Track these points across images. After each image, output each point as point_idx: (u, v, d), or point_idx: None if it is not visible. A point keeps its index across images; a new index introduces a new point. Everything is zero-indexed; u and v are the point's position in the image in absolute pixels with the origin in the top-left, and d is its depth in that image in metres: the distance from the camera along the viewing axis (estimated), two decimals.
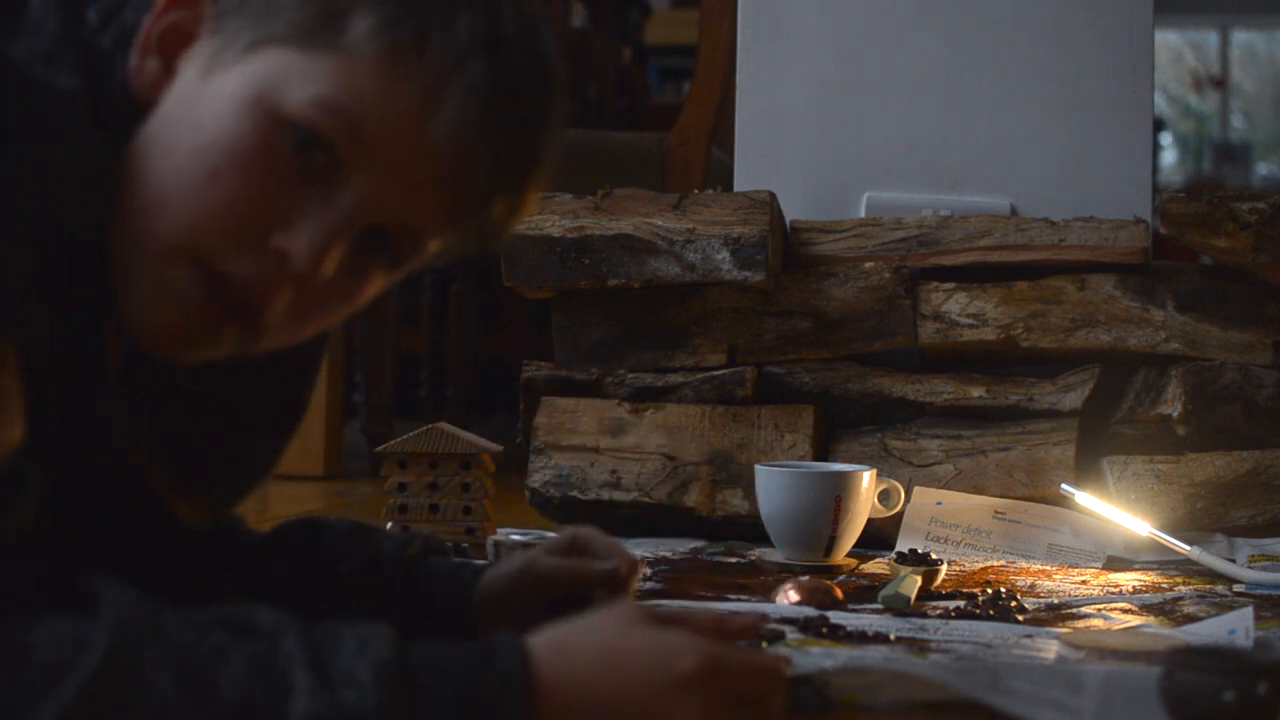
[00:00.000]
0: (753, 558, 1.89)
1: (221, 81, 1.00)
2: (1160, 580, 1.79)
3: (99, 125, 1.00)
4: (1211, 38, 10.73)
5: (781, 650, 1.29)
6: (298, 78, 0.98)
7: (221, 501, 1.19)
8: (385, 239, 1.03)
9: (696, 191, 2.16)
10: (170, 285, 0.99)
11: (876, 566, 1.83)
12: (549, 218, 2.12)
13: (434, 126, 0.99)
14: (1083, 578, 1.81)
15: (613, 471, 2.10)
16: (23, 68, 0.99)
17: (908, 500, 1.96)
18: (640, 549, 1.94)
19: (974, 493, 2.00)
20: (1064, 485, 1.96)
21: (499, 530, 1.78)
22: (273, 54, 0.99)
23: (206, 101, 1.00)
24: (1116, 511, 1.93)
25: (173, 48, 1.02)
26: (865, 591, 1.66)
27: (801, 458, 2.05)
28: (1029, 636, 1.43)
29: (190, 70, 1.01)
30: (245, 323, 1.01)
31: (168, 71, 1.02)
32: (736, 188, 2.29)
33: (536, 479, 2.12)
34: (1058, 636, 1.42)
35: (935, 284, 2.11)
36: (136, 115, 1.02)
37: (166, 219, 0.99)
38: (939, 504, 1.97)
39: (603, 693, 0.95)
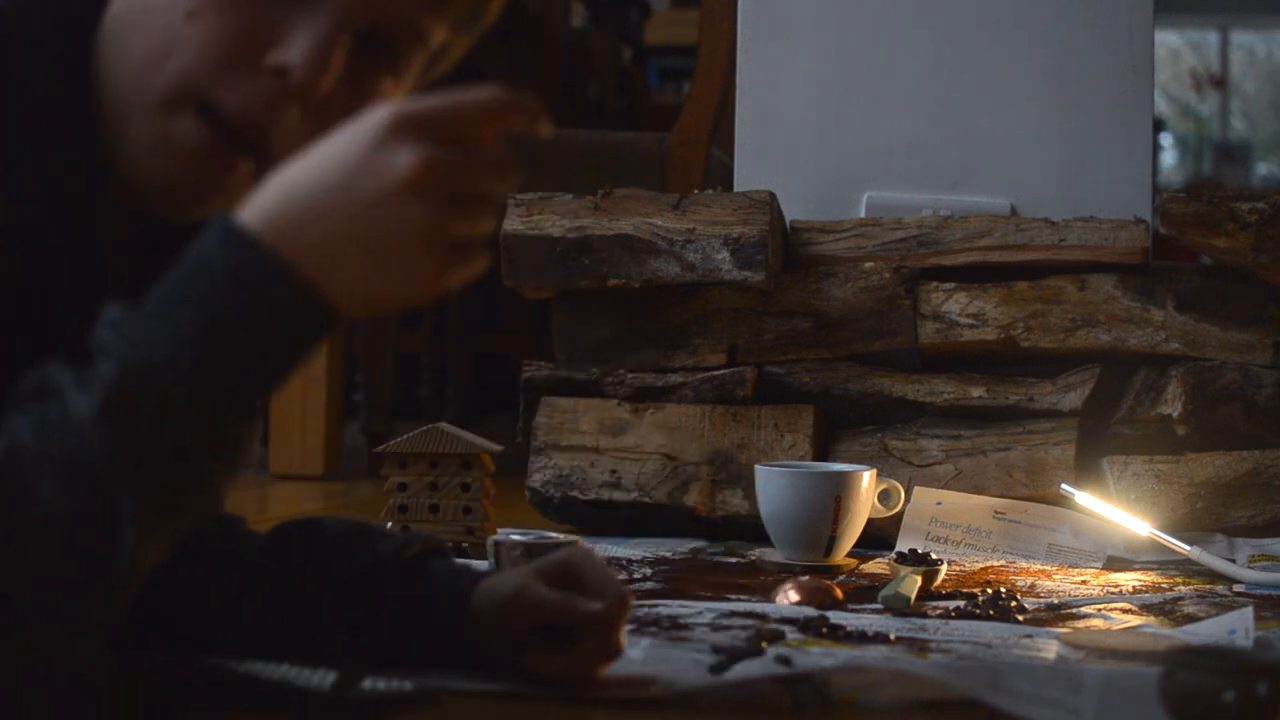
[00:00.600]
0: (753, 558, 1.89)
1: None
2: (1160, 580, 1.79)
3: (64, 41, 1.00)
4: (1211, 38, 10.73)
5: (781, 650, 1.30)
6: None
7: None
8: (378, 42, 1.01)
9: (696, 191, 2.16)
10: (172, 134, 0.98)
11: (876, 566, 1.83)
12: (549, 218, 2.12)
13: None
14: (1083, 578, 1.81)
15: (613, 471, 2.10)
16: None
17: (908, 500, 1.96)
18: (640, 549, 1.94)
19: (974, 493, 2.00)
20: (1064, 485, 1.96)
21: (499, 530, 1.78)
22: None
23: None
24: (1116, 511, 1.93)
25: None
26: (865, 591, 1.66)
27: (801, 458, 2.05)
28: (1029, 636, 1.43)
29: None
30: (254, 155, 0.99)
31: None
32: (736, 188, 2.30)
33: (536, 479, 2.12)
34: (1058, 636, 1.42)
35: (935, 284, 2.11)
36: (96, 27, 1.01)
37: (155, 71, 0.98)
38: (939, 504, 1.97)
39: (306, 187, 0.90)
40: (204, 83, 0.97)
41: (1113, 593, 1.72)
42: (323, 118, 0.99)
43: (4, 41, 0.98)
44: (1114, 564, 1.90)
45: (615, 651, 1.18)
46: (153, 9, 0.98)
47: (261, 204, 0.91)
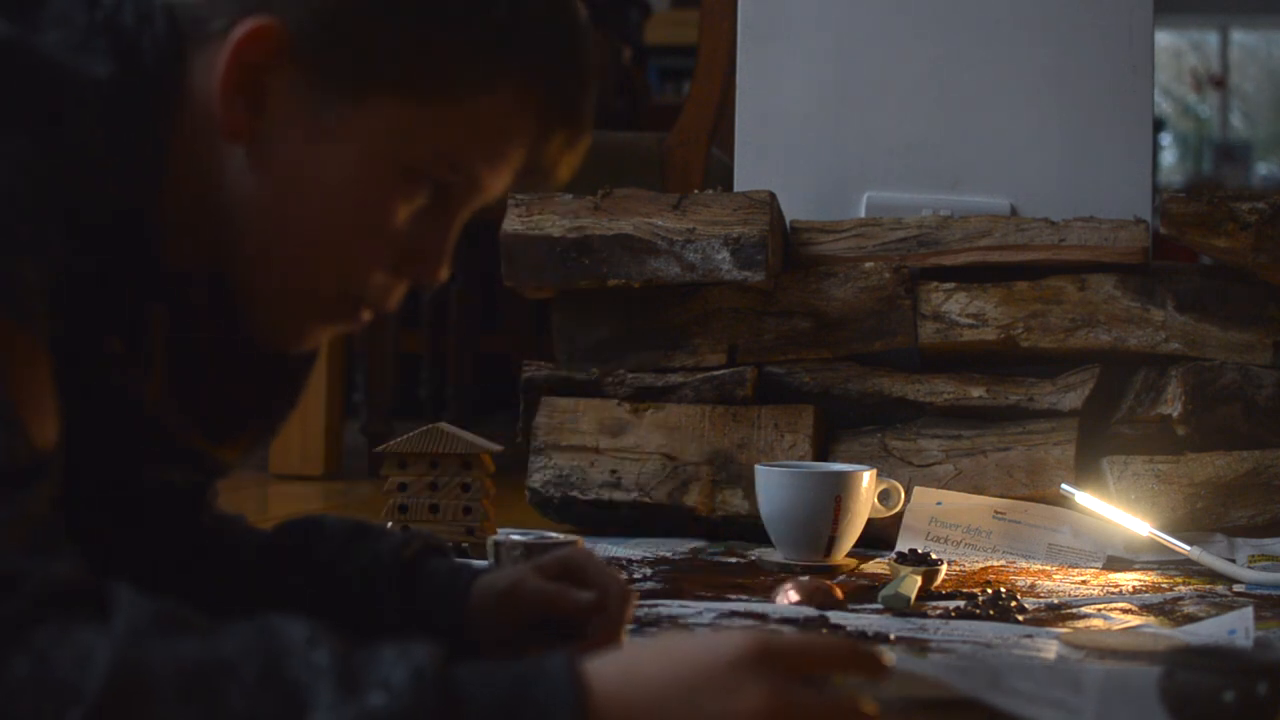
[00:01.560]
0: (753, 558, 1.89)
1: (335, 148, 1.02)
2: (1160, 580, 1.79)
3: (134, 108, 1.00)
4: (1211, 38, 10.73)
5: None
6: (416, 134, 1.02)
7: (256, 443, 1.18)
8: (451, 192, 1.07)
9: (696, 191, 2.16)
10: (311, 309, 1.06)
11: (876, 566, 1.83)
12: (549, 218, 2.12)
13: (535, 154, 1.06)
14: (1083, 578, 1.81)
15: (613, 471, 2.10)
16: (50, 56, 0.98)
17: (908, 500, 1.96)
18: (640, 549, 1.94)
19: (974, 493, 2.00)
20: (1064, 485, 1.96)
21: (499, 530, 1.78)
22: (383, 104, 1.01)
23: (326, 167, 1.02)
24: (1116, 511, 1.93)
25: (256, 87, 1.01)
26: (865, 591, 1.66)
27: (801, 458, 2.05)
28: (1029, 636, 1.43)
29: (287, 121, 1.02)
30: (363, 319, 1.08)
31: (256, 109, 1.01)
32: (736, 188, 2.29)
33: (536, 479, 2.12)
34: (1058, 636, 1.42)
35: (935, 284, 2.11)
36: (175, 98, 1.02)
37: (314, 273, 1.04)
38: (939, 504, 1.97)
39: (654, 683, 0.90)
40: (357, 283, 1.05)
41: (1113, 593, 1.72)
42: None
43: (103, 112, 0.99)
44: (1114, 564, 1.90)
45: (616, 647, 1.18)
46: (317, 225, 1.03)
47: (605, 679, 0.89)
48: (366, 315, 1.08)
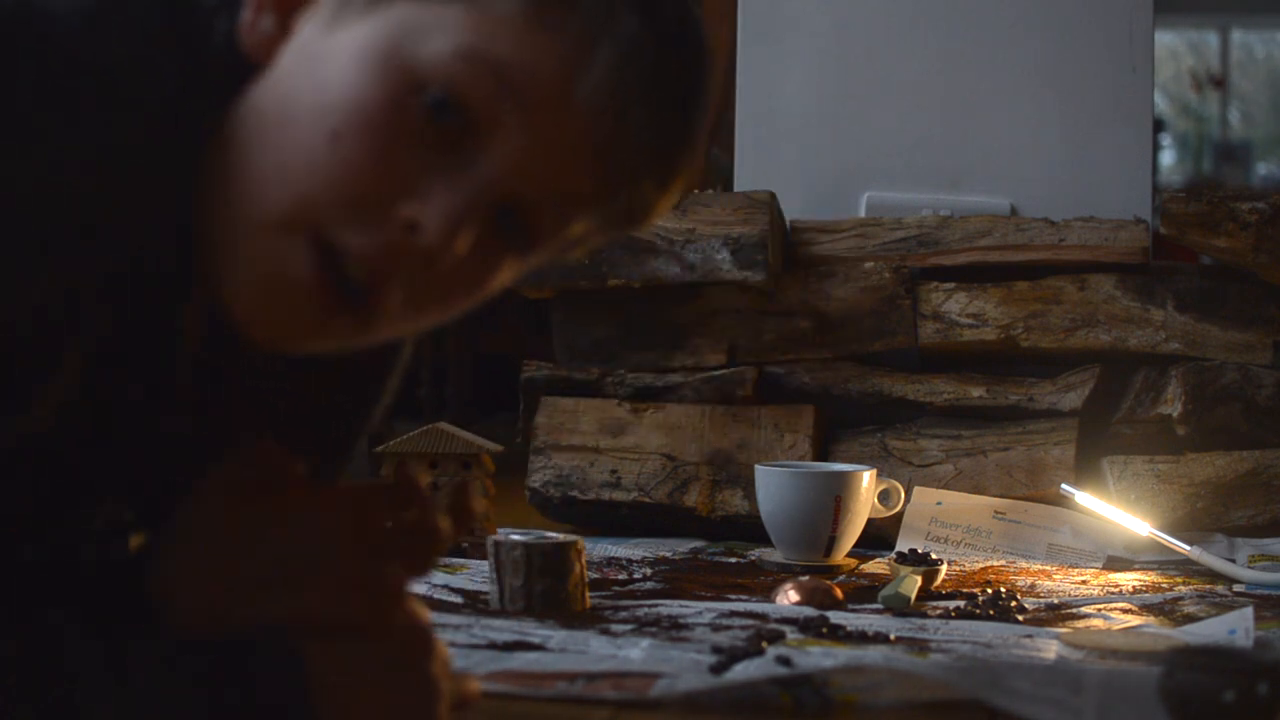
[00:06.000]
0: (753, 558, 1.89)
1: (346, 36, 0.91)
2: (1160, 580, 1.79)
3: (191, 91, 0.91)
4: (1211, 38, 10.73)
5: (781, 650, 1.29)
6: (434, 30, 0.89)
7: (331, 455, 1.12)
8: (519, 219, 0.93)
9: (696, 191, 2.16)
10: (280, 262, 0.90)
11: (876, 566, 1.83)
12: None
13: (583, 85, 0.90)
14: (1083, 578, 1.81)
15: (613, 471, 2.10)
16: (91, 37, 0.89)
17: (908, 500, 1.96)
18: (640, 549, 1.94)
19: (974, 493, 2.00)
20: (1064, 485, 1.96)
21: (499, 530, 1.78)
22: (403, 4, 0.90)
23: (329, 59, 0.91)
24: (1116, 511, 1.93)
25: (289, 4, 0.93)
26: (865, 591, 1.66)
27: (801, 458, 2.05)
28: (1029, 636, 1.43)
29: (309, 28, 0.92)
30: (359, 309, 0.92)
31: (283, 30, 0.93)
32: (736, 188, 2.30)
33: (536, 479, 2.12)
34: (1058, 636, 1.42)
35: (935, 284, 2.11)
36: (238, 75, 0.93)
37: (280, 187, 0.89)
38: (939, 504, 1.97)
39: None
40: (328, 214, 0.89)
41: (1113, 593, 1.72)
42: (438, 283, 0.92)
43: (125, 88, 0.88)
44: (1114, 564, 1.90)
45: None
46: (296, 118, 0.90)
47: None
48: (362, 321, 0.93)
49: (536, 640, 1.34)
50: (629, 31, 0.90)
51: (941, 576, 1.70)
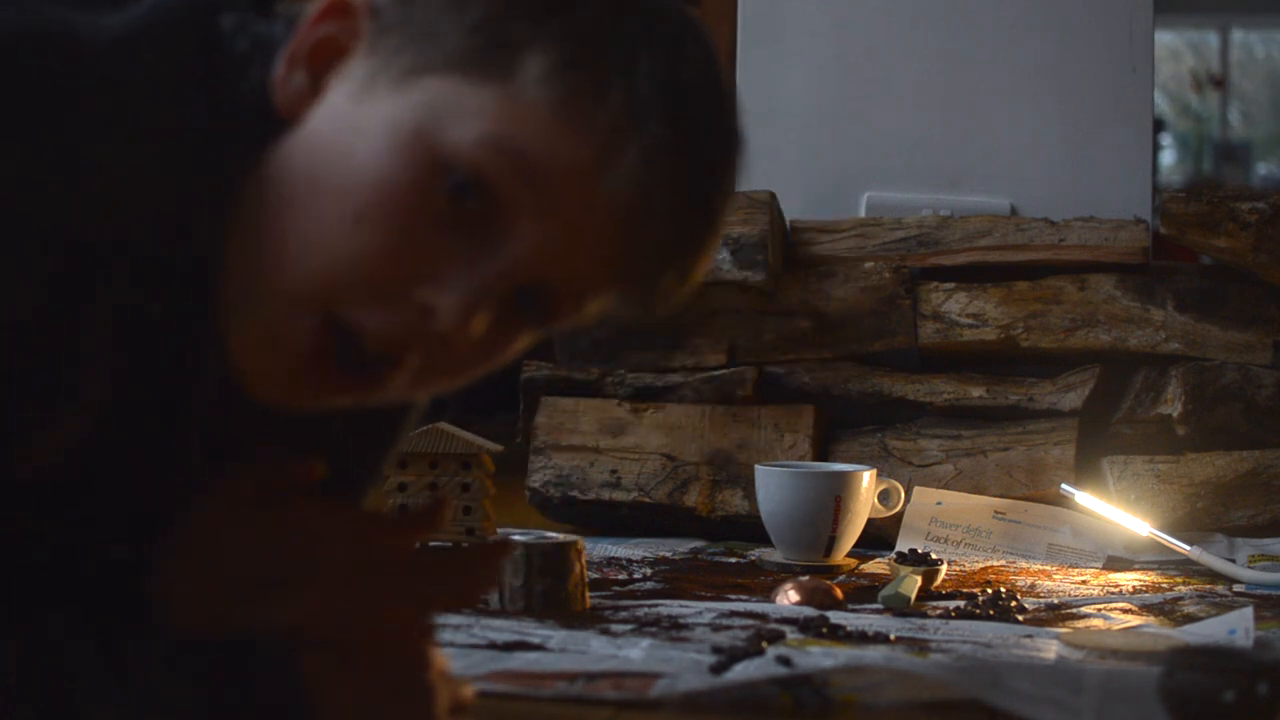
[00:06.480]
0: (753, 558, 1.89)
1: (375, 110, 0.90)
2: (1160, 580, 1.79)
3: (219, 129, 0.91)
4: (1211, 38, 10.73)
5: (781, 650, 1.29)
6: (462, 112, 0.89)
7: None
8: (536, 298, 0.93)
9: None
10: (287, 328, 0.90)
11: (876, 566, 1.83)
12: None
13: (608, 180, 0.89)
14: (1083, 578, 1.81)
15: (613, 471, 2.10)
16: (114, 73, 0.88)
17: (908, 500, 1.96)
18: (640, 549, 1.94)
19: (974, 493, 2.00)
20: (1064, 485, 1.96)
21: (499, 530, 1.78)
22: (434, 83, 0.89)
23: (359, 131, 0.90)
24: (1116, 511, 1.93)
25: (323, 62, 0.92)
26: (865, 591, 1.66)
27: (801, 458, 2.05)
28: (1029, 636, 1.43)
29: (340, 91, 0.92)
30: (365, 379, 0.92)
31: (315, 88, 0.92)
32: (736, 188, 2.29)
33: (536, 479, 2.12)
34: (1058, 636, 1.42)
35: (935, 284, 2.11)
36: (268, 127, 0.92)
37: (300, 261, 0.89)
38: (939, 504, 1.97)
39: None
40: (345, 295, 0.89)
41: (1113, 593, 1.72)
42: (452, 358, 0.93)
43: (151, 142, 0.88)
44: (1114, 564, 1.90)
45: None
46: (322, 190, 0.90)
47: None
48: (366, 393, 0.93)
49: (536, 640, 1.34)
50: (658, 129, 0.90)
51: (941, 576, 1.70)
